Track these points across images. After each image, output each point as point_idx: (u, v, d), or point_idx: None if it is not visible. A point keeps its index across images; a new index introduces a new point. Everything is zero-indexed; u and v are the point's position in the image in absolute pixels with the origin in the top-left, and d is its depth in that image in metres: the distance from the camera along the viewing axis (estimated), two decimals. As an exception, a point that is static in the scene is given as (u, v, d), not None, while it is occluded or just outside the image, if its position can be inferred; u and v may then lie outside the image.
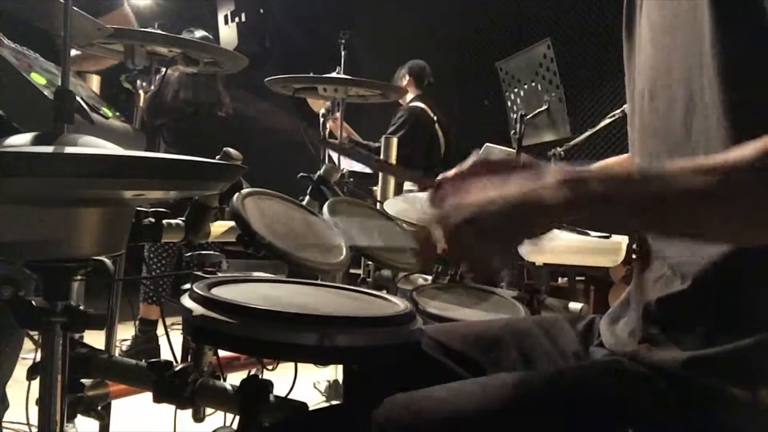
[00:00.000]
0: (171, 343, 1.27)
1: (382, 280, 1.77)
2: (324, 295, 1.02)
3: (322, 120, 2.82)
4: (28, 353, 1.24)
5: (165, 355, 1.16)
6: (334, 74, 2.89)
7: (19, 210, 0.86)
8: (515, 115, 2.48)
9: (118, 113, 1.19)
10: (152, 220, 1.26)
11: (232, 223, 1.34)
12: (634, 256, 0.89)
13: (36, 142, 0.86)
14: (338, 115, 2.81)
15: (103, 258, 1.03)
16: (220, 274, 1.17)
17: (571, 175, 0.66)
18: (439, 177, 0.78)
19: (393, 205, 1.76)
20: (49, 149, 0.81)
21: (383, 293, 1.04)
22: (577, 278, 3.14)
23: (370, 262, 1.74)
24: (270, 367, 1.32)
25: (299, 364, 1.11)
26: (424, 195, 0.78)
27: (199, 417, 1.08)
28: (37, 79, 1.00)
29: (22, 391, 1.17)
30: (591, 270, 2.84)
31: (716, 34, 0.71)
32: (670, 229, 0.69)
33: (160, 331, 3.09)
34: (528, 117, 2.43)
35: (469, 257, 0.72)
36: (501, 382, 0.79)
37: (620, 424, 0.74)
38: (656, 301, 0.80)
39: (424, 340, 0.90)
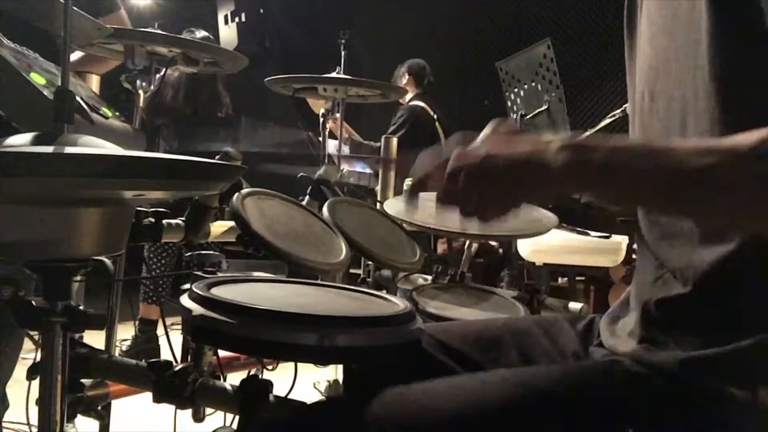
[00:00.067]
0: (171, 343, 1.26)
1: (382, 280, 1.77)
2: (324, 295, 1.01)
3: (322, 120, 2.82)
4: (28, 353, 1.24)
5: (165, 355, 1.16)
6: (334, 74, 2.89)
7: (19, 210, 0.86)
8: (515, 115, 2.48)
9: (117, 113, 1.19)
10: (152, 220, 1.25)
11: (232, 223, 1.34)
12: (634, 256, 0.89)
13: (36, 142, 0.86)
14: (338, 115, 2.80)
15: (103, 258, 1.03)
16: (219, 274, 1.17)
17: (577, 141, 0.67)
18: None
19: (393, 205, 1.75)
20: (49, 149, 0.81)
21: (383, 293, 1.03)
22: (577, 278, 3.13)
23: (370, 262, 1.74)
24: (270, 367, 1.32)
25: (299, 364, 1.11)
26: (427, 195, 0.78)
27: (199, 417, 1.08)
28: (37, 79, 1.00)
29: (22, 391, 1.17)
30: (591, 270, 2.84)
31: (713, 35, 0.71)
32: (669, 205, 0.69)
33: (160, 331, 3.09)
34: (528, 117, 2.44)
35: (464, 199, 0.71)
36: (500, 378, 0.79)
37: (620, 424, 0.74)
38: (656, 301, 0.80)
39: (423, 338, 0.90)
